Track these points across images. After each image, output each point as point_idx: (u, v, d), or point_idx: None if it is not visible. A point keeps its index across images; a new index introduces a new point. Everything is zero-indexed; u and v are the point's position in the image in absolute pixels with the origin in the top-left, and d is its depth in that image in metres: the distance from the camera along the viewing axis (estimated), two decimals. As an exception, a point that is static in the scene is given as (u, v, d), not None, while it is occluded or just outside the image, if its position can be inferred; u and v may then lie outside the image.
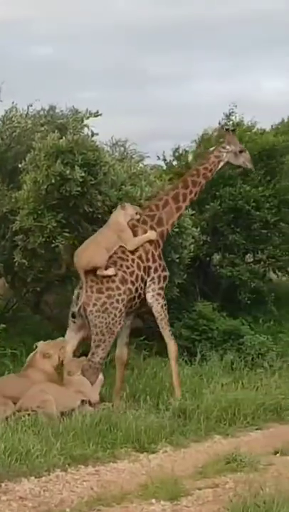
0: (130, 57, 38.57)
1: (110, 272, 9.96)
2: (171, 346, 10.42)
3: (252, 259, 15.00)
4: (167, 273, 10.58)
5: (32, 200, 10.32)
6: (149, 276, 10.31)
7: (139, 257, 10.26)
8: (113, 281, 9.98)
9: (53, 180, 10.07)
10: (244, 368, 11.71)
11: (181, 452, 8.55)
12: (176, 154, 15.03)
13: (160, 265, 10.44)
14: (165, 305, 10.43)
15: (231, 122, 14.76)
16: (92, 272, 9.96)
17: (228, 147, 11.00)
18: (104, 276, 9.95)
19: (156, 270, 10.36)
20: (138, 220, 10.37)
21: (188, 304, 13.28)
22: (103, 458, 8.04)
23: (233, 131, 11.62)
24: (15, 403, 9.05)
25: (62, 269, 11.50)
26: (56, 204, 10.36)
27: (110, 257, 10.08)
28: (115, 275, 9.98)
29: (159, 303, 10.36)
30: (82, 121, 10.80)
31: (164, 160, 14.99)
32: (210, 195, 13.40)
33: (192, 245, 12.14)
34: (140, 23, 35.38)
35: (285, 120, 15.70)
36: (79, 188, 10.11)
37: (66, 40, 35.76)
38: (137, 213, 10.34)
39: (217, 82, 37.99)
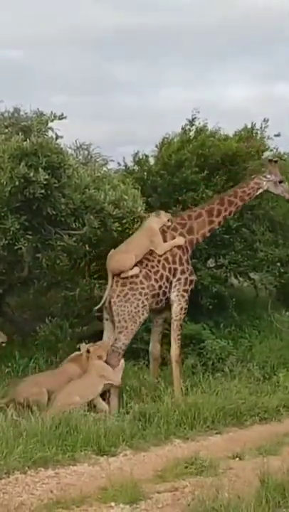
0: (98, 63, 38.69)
1: (134, 271, 10.67)
2: (173, 350, 11.08)
3: (214, 264, 15.00)
4: (194, 277, 11.39)
5: (-5, 202, 10.28)
6: (175, 277, 11.06)
7: (166, 259, 10.97)
8: (137, 277, 10.73)
9: (17, 183, 10.02)
10: (204, 373, 11.74)
11: (141, 456, 8.59)
12: (136, 159, 15.00)
13: (188, 269, 11.22)
14: (185, 309, 11.17)
15: (194, 127, 14.80)
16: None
17: (268, 176, 11.82)
18: None
19: (183, 272, 11.12)
20: (168, 227, 11.08)
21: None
22: (63, 461, 8.06)
23: (276, 162, 12.17)
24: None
25: (25, 271, 11.48)
26: (19, 206, 10.32)
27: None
28: (140, 272, 10.67)
29: (179, 304, 11.12)
30: (47, 123, 10.74)
31: (125, 165, 14.96)
32: (172, 199, 13.39)
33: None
34: (108, 30, 35.61)
35: (249, 126, 15.69)
36: (43, 191, 10.08)
37: (35, 45, 35.77)
38: (169, 220, 11.07)
39: (184, 88, 38.20)
